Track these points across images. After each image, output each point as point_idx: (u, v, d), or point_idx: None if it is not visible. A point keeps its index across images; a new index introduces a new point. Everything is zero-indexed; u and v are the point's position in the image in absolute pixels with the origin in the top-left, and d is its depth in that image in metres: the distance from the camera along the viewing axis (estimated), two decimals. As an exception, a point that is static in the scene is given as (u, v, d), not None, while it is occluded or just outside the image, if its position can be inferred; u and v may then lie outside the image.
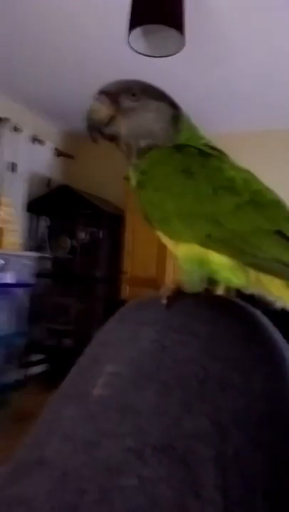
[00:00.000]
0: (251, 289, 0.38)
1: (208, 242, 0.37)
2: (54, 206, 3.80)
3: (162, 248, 3.56)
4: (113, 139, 0.41)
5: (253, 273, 0.36)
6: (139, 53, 1.93)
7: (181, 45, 1.87)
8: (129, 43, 1.85)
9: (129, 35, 1.82)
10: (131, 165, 0.42)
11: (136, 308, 0.36)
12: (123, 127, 0.41)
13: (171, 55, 1.96)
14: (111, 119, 0.41)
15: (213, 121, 3.52)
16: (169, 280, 3.48)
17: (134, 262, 3.73)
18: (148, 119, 0.41)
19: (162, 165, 0.40)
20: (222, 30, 2.30)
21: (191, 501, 0.21)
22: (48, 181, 3.95)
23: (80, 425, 0.24)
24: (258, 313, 0.36)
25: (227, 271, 0.37)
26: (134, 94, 0.41)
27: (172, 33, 1.81)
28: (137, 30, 1.82)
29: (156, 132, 0.41)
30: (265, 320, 0.35)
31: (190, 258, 0.39)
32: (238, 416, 0.25)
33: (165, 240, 0.41)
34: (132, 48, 1.88)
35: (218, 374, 0.27)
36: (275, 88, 2.92)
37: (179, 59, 2.15)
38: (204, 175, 0.39)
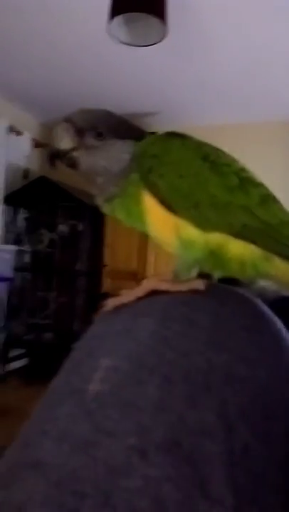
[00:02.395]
0: (270, 279, 0.39)
1: (244, 232, 0.37)
2: (32, 198, 3.73)
3: (143, 241, 3.55)
4: (71, 166, 0.41)
5: (278, 261, 0.37)
6: (120, 42, 1.90)
7: (163, 34, 1.85)
8: (110, 31, 1.82)
9: (110, 24, 1.79)
10: (102, 196, 0.42)
11: None
12: (83, 162, 0.41)
13: (152, 45, 1.94)
14: (72, 150, 0.41)
15: (192, 112, 3.52)
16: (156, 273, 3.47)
17: (115, 254, 3.71)
18: (109, 159, 0.41)
19: (179, 150, 0.40)
20: (203, 21, 2.28)
21: (200, 501, 0.20)
22: (26, 173, 3.87)
23: (77, 424, 0.23)
24: (259, 301, 0.35)
25: (255, 260, 0.38)
26: (99, 134, 0.40)
27: (154, 21, 1.78)
28: (118, 19, 1.79)
29: (115, 170, 0.41)
30: (266, 309, 0.34)
31: (204, 246, 0.38)
32: (245, 409, 0.24)
33: (163, 226, 0.40)
34: (112, 36, 1.85)
35: (222, 366, 0.26)
36: (254, 81, 2.93)
37: (160, 49, 2.13)
38: (223, 164, 0.39)
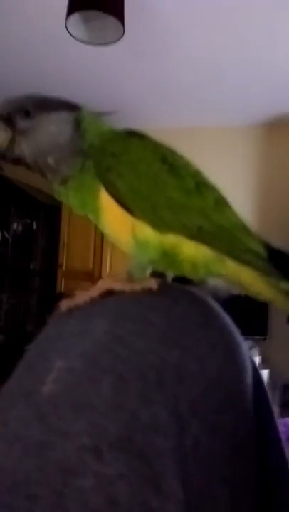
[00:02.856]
0: (221, 278, 0.40)
1: (199, 234, 0.38)
2: (-16, 195, 3.60)
3: (99, 241, 3.53)
4: (18, 161, 0.39)
5: (229, 262, 0.39)
6: (78, 40, 1.88)
7: (120, 33, 1.84)
8: (67, 28, 1.79)
9: (67, 21, 1.76)
10: (58, 178, 0.40)
11: None
12: (25, 148, 0.39)
13: (109, 44, 1.93)
14: (11, 143, 0.38)
15: (153, 114, 3.54)
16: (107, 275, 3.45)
17: (71, 254, 3.66)
18: (48, 135, 0.39)
19: (137, 150, 0.39)
20: (160, 23, 2.30)
21: (152, 496, 0.20)
22: (-22, 169, 3.72)
23: (30, 426, 0.22)
24: (209, 298, 0.36)
25: (207, 260, 0.39)
26: (28, 112, 0.38)
27: (111, 20, 1.78)
28: (76, 16, 1.76)
29: (61, 144, 0.39)
30: (216, 305, 0.35)
31: (158, 247, 0.38)
32: (196, 404, 0.25)
33: (114, 226, 0.39)
34: (70, 33, 1.83)
35: (174, 363, 0.26)
36: (209, 86, 2.99)
37: (118, 48, 2.13)
38: (180, 166, 0.40)
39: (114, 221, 0.39)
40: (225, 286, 0.41)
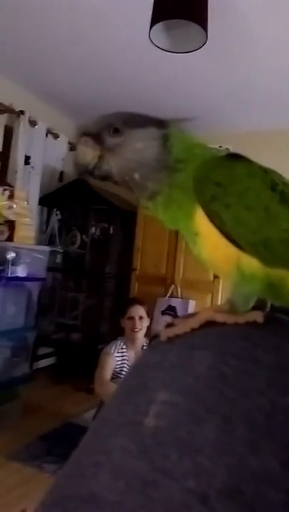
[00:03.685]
0: None
1: None
2: (66, 200, 3.80)
3: (172, 246, 3.54)
4: (106, 178, 0.40)
5: None
6: (161, 49, 1.91)
7: (203, 40, 1.84)
8: (150, 37, 1.83)
9: (150, 30, 1.81)
10: (146, 194, 0.40)
11: None
12: (114, 165, 0.39)
13: (192, 51, 1.94)
14: (99, 160, 0.39)
15: (233, 118, 3.49)
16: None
17: (144, 259, 3.72)
18: (136, 151, 0.39)
19: (245, 179, 0.37)
20: (245, 27, 2.27)
21: None
22: (61, 175, 3.94)
23: (133, 460, 0.22)
24: None
25: None
26: (116, 130, 0.39)
27: (195, 28, 1.78)
28: (159, 25, 1.80)
29: (149, 161, 0.39)
30: None
31: (265, 279, 0.36)
32: None
33: (222, 258, 0.37)
34: (153, 43, 1.86)
35: (286, 409, 0.24)
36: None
37: (201, 55, 2.13)
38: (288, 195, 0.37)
39: (216, 250, 0.37)
40: None
